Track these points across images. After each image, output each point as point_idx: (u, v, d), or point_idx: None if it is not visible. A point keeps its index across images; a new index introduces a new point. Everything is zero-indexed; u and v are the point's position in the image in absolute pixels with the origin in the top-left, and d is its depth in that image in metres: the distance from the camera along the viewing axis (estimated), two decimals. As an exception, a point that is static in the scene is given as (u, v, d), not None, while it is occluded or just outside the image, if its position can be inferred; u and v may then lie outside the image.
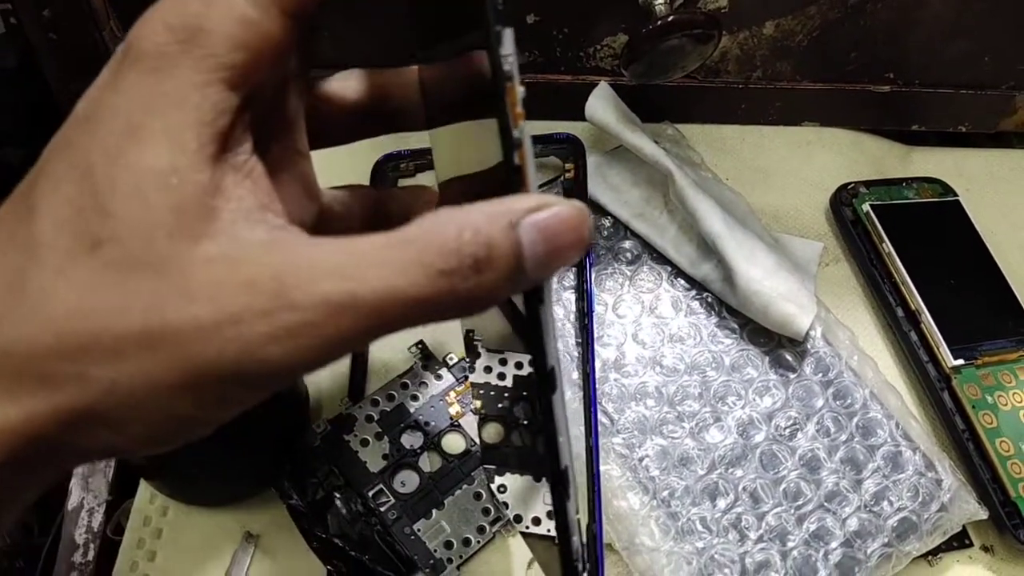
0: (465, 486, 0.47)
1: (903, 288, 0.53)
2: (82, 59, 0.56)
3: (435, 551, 0.45)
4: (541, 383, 0.24)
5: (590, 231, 0.21)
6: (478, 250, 0.20)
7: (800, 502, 0.46)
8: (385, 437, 0.47)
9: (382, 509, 0.46)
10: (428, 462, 0.47)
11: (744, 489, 0.46)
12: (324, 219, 0.29)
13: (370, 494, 0.46)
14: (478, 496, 0.46)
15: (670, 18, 0.46)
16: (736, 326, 0.52)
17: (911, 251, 0.54)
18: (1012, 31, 0.56)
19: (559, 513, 0.26)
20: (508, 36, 0.21)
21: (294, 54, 0.24)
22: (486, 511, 0.46)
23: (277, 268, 0.20)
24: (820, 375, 0.50)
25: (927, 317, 0.52)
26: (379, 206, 0.31)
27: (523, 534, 0.44)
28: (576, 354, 0.50)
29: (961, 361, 0.50)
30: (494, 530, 0.46)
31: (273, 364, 0.19)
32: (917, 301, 0.52)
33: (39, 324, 0.19)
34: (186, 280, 0.19)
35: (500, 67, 0.21)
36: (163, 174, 0.20)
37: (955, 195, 0.58)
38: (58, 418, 0.19)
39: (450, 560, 0.45)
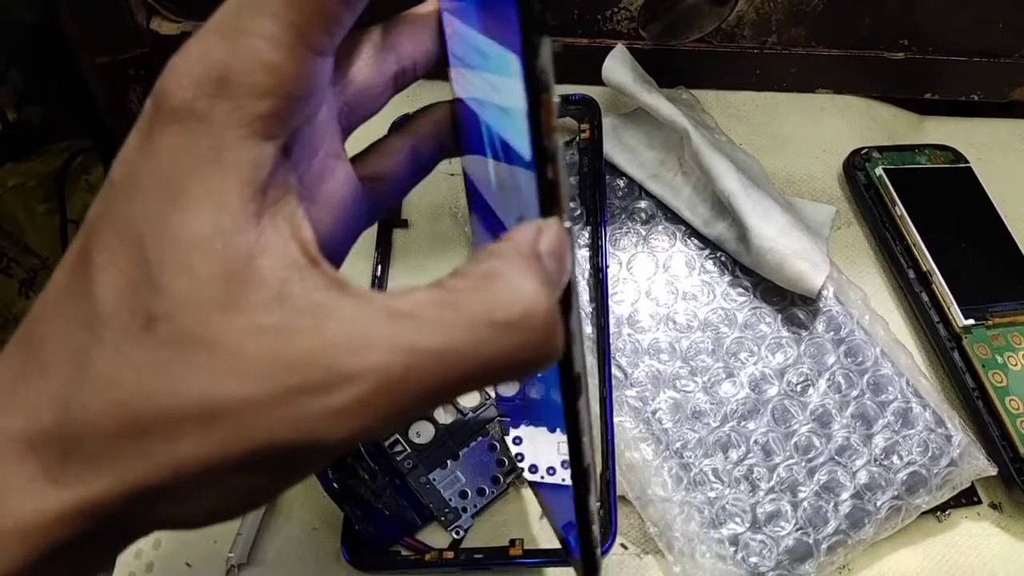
0: (480, 438, 0.47)
1: (915, 250, 0.54)
2: (102, 16, 0.57)
3: (450, 500, 0.46)
4: (567, 387, 0.24)
5: (570, 243, 0.22)
6: (525, 319, 0.20)
7: (811, 455, 0.47)
8: None
9: (398, 458, 0.46)
10: (443, 413, 0.48)
11: (756, 442, 0.47)
12: (370, 190, 0.29)
13: (386, 443, 0.46)
14: (492, 447, 0.47)
15: (689, -26, 0.47)
16: (749, 284, 0.52)
17: (923, 215, 0.55)
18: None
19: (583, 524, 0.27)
20: (545, 48, 0.20)
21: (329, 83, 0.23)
22: (500, 462, 0.47)
23: (330, 337, 0.19)
24: (832, 333, 0.50)
25: (938, 278, 0.52)
26: (411, 149, 0.31)
27: (530, 483, 0.45)
28: (590, 310, 0.50)
29: (972, 321, 0.51)
30: (508, 481, 0.46)
31: (331, 441, 0.19)
32: (929, 263, 0.53)
33: (103, 406, 0.19)
34: (239, 355, 0.19)
35: (536, 80, 0.20)
36: (208, 241, 0.19)
37: (967, 162, 0.58)
38: (126, 494, 0.20)
39: (465, 509, 0.46)
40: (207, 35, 0.21)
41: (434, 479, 0.46)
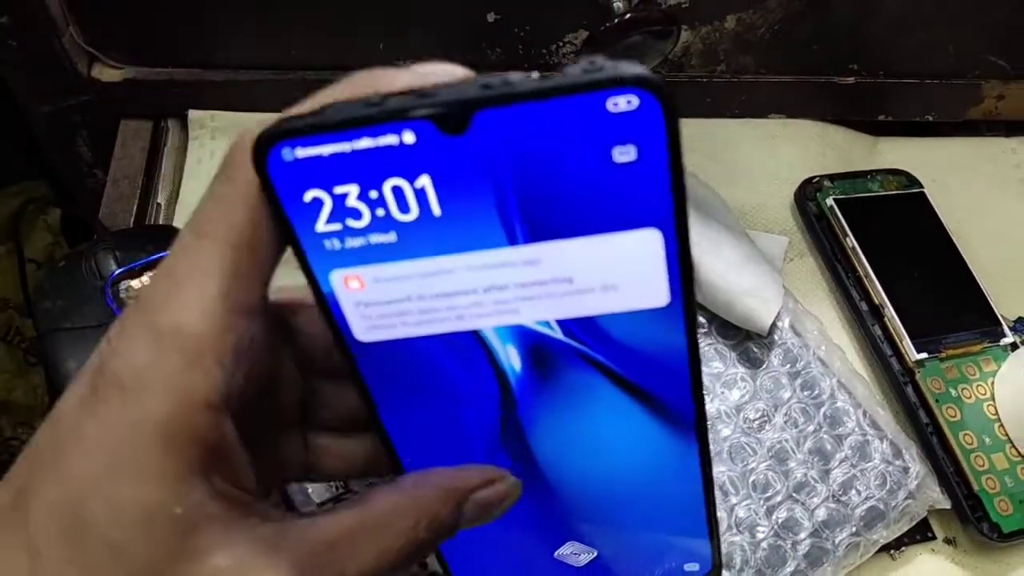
0: None
1: (866, 282, 0.53)
2: (43, 65, 0.56)
3: None
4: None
5: (516, 498, 0.24)
6: (430, 535, 0.23)
7: (769, 494, 0.46)
8: None
9: None
10: None
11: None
12: None
13: None
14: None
15: (628, 16, 0.46)
16: (704, 320, 0.52)
17: (875, 245, 0.54)
18: (975, 20, 0.56)
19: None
20: None
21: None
22: None
23: (287, 569, 0.21)
24: (788, 366, 0.50)
25: (890, 311, 0.52)
26: None
27: None
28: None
29: (924, 355, 0.50)
30: None
31: None
32: (880, 295, 0.52)
33: None
34: None
35: None
36: (160, 505, 0.20)
37: (920, 186, 0.58)
38: None
39: None
40: (147, 319, 0.20)
41: None
